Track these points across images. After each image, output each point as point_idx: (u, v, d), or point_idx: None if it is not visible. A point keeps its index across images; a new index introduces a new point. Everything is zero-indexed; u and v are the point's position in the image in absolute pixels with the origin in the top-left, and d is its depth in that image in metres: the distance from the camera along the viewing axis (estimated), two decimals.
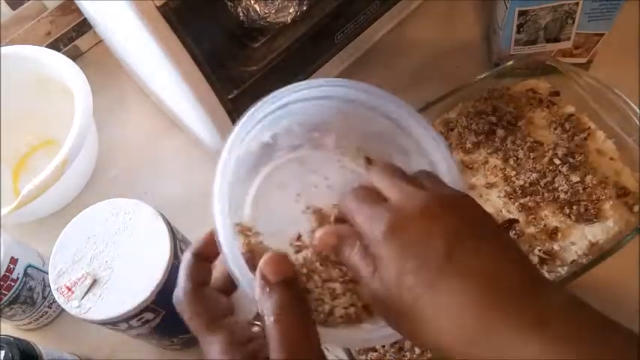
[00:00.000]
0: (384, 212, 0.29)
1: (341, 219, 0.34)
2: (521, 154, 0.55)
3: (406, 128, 0.39)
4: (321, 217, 0.38)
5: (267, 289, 0.29)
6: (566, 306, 0.27)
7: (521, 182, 0.54)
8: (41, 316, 0.57)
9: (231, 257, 0.31)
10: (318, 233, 0.32)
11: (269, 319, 0.29)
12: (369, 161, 0.38)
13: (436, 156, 0.38)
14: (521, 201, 0.53)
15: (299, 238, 0.37)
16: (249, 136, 0.38)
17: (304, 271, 0.35)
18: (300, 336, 0.28)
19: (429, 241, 0.28)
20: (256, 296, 0.30)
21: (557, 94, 0.59)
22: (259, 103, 0.37)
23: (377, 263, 0.29)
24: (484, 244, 0.28)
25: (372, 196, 0.32)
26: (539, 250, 0.51)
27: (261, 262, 0.30)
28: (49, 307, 0.57)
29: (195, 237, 0.54)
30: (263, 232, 0.37)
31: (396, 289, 0.28)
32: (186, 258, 0.33)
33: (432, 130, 0.37)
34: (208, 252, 0.34)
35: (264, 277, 0.30)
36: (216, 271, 0.35)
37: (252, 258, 0.36)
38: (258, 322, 0.33)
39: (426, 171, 0.35)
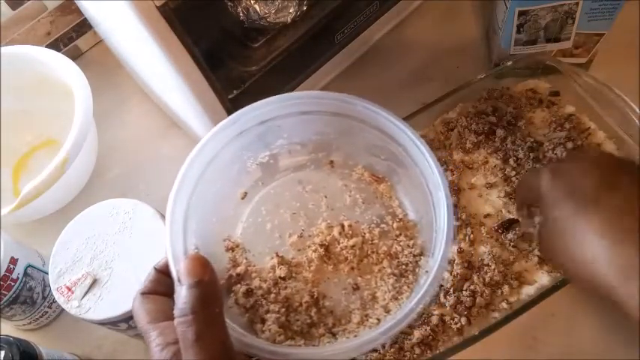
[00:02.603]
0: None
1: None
2: (521, 154, 0.55)
3: (392, 135, 0.39)
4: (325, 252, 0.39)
5: (178, 290, 0.30)
6: None
7: None
8: (41, 316, 0.57)
9: (172, 260, 0.33)
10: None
11: (176, 320, 0.29)
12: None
13: (421, 161, 0.38)
14: None
15: (277, 255, 0.39)
16: (231, 148, 0.39)
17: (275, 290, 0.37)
18: (201, 340, 0.29)
19: (584, 180, 0.39)
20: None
21: (557, 94, 0.59)
22: (233, 117, 0.38)
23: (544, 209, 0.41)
24: (628, 194, 0.37)
25: None
26: (539, 250, 0.51)
27: (180, 263, 0.31)
28: (49, 307, 0.57)
29: None
30: (252, 250, 0.39)
31: (554, 215, 0.39)
32: (149, 271, 0.35)
33: (412, 134, 0.37)
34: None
35: (178, 279, 0.31)
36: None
37: (237, 277, 0.38)
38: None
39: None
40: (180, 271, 0.31)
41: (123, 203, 0.50)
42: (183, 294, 0.30)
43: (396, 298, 0.37)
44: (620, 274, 0.35)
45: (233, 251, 0.39)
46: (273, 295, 0.37)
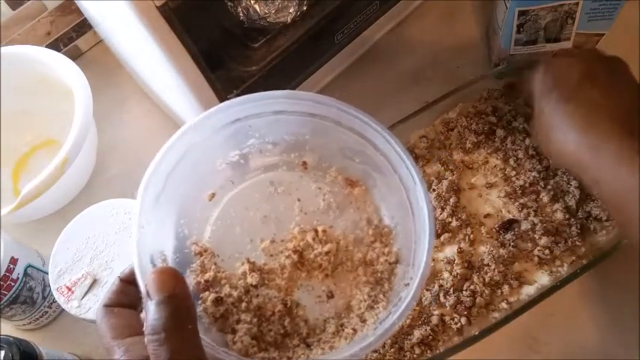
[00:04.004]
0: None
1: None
2: (521, 154, 0.55)
3: (371, 141, 0.38)
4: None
5: (148, 306, 0.28)
6: None
7: (521, 182, 0.54)
8: (41, 316, 0.57)
9: (139, 272, 0.31)
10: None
11: (147, 338, 0.28)
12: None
13: (402, 170, 0.37)
14: (521, 201, 0.53)
15: (249, 261, 0.37)
16: (201, 148, 0.37)
17: (247, 299, 0.36)
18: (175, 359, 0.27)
19: (568, 74, 0.45)
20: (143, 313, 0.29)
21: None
22: (202, 117, 0.36)
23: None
24: (605, 88, 0.44)
25: None
26: (539, 250, 0.51)
27: (148, 276, 0.30)
28: (49, 307, 0.57)
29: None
30: (222, 254, 0.37)
31: (542, 107, 0.45)
32: (113, 281, 0.34)
33: (395, 143, 0.37)
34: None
35: (147, 293, 0.29)
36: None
37: (204, 284, 0.36)
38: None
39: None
40: (149, 284, 0.29)
41: (123, 203, 0.50)
42: (153, 310, 0.28)
43: (372, 307, 0.36)
44: (583, 154, 0.42)
45: (201, 256, 0.37)
46: (244, 304, 0.35)
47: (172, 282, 0.29)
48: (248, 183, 0.40)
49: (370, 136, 0.38)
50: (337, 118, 0.38)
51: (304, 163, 0.41)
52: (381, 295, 0.37)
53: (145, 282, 0.29)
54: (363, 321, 0.36)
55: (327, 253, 0.37)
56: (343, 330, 0.36)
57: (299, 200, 0.40)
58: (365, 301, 0.36)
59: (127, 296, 0.32)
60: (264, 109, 0.38)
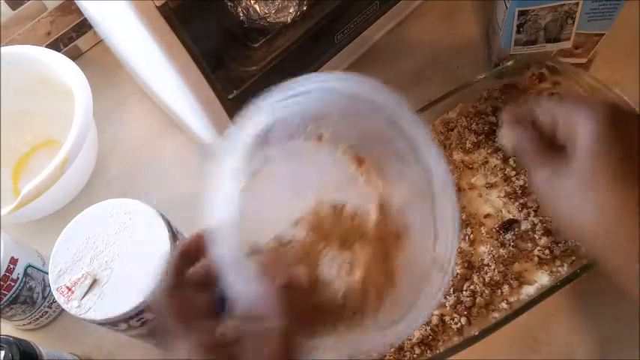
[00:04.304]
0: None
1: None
2: None
3: (404, 130, 0.38)
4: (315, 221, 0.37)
5: (268, 293, 0.27)
6: None
7: (521, 182, 0.54)
8: (41, 316, 0.57)
9: (229, 256, 0.29)
10: None
11: (267, 324, 0.27)
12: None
13: (432, 164, 0.37)
14: (521, 201, 0.53)
15: (281, 239, 0.36)
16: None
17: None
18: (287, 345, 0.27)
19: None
20: (253, 299, 0.28)
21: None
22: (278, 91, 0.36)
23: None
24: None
25: None
26: (539, 250, 0.51)
27: (265, 264, 0.29)
28: (49, 307, 0.57)
29: None
30: (243, 227, 0.36)
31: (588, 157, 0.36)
32: (171, 256, 0.31)
33: (428, 137, 0.37)
34: (196, 252, 0.31)
35: (266, 281, 0.28)
36: (198, 266, 0.32)
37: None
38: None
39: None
40: (265, 267, 0.28)
41: (123, 203, 0.50)
42: (269, 295, 0.27)
43: (388, 285, 0.37)
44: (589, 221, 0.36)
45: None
46: None
47: (286, 269, 0.28)
48: (267, 154, 0.39)
49: (401, 123, 0.38)
50: (373, 99, 0.38)
51: (320, 136, 0.40)
52: (391, 272, 0.37)
53: (257, 264, 0.28)
54: (380, 298, 0.36)
55: (344, 228, 0.37)
56: (365, 307, 0.36)
57: (315, 173, 0.39)
58: (379, 274, 0.37)
59: (183, 273, 0.30)
60: (313, 86, 0.37)
